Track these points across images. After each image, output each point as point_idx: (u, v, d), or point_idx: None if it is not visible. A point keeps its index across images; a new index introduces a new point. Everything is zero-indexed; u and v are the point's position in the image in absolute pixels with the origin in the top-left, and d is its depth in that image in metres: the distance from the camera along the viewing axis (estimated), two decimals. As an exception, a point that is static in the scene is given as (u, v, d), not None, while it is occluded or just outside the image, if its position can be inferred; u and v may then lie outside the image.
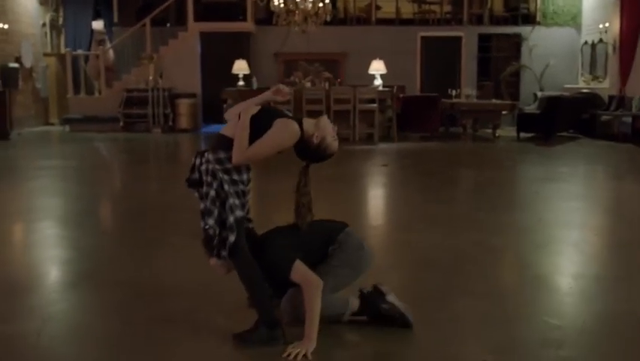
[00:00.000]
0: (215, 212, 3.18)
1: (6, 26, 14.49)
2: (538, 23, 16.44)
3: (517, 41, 16.54)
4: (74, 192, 8.14)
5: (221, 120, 13.37)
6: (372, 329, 3.42)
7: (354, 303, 3.45)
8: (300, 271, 3.26)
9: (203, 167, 3.24)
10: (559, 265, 4.84)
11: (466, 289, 4.10)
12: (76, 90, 15.81)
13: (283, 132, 3.23)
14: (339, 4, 16.77)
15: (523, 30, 16.41)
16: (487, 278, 4.36)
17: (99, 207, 7.43)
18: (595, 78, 15.41)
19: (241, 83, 13.67)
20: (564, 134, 13.58)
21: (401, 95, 13.75)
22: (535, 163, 10.51)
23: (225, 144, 3.23)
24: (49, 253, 5.21)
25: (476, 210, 6.73)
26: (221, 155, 3.21)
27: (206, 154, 3.25)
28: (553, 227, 6.00)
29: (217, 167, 3.20)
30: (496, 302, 3.80)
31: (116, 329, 3.49)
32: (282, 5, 11.82)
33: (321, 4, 12.24)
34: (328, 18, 12.73)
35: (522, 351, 3.21)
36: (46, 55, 16.71)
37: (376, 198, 8.12)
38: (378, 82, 13.39)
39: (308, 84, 13.30)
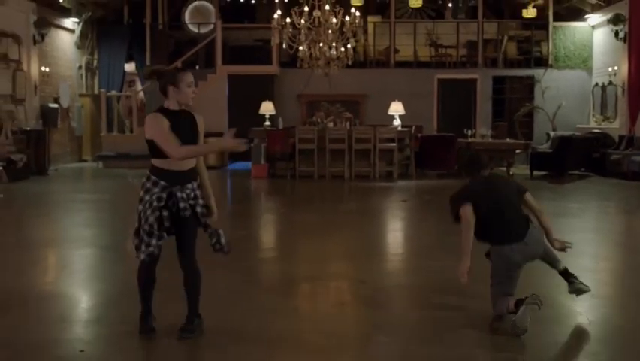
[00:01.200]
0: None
1: (47, 69, 15.45)
2: (551, 66, 17.15)
3: (530, 83, 17.24)
4: (109, 222, 8.85)
5: (247, 158, 14.18)
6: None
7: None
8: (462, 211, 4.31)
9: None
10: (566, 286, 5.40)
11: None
12: (109, 129, 16.68)
13: (153, 123, 3.84)
14: (360, 48, 17.56)
15: (536, 72, 17.12)
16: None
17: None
18: (606, 119, 16.02)
19: (267, 123, 14.40)
20: (576, 172, 14.11)
21: (419, 135, 14.39)
22: (546, 199, 11.01)
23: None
24: (91, 274, 5.87)
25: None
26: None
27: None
28: (562, 256, 6.54)
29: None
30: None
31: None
32: (307, 51, 12.57)
33: (342, 49, 12.99)
34: (349, 62, 13.47)
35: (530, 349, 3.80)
36: (81, 95, 17.63)
37: (396, 231, 8.72)
38: (397, 122, 14.10)
39: (330, 124, 13.99)
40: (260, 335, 4.06)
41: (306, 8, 10.48)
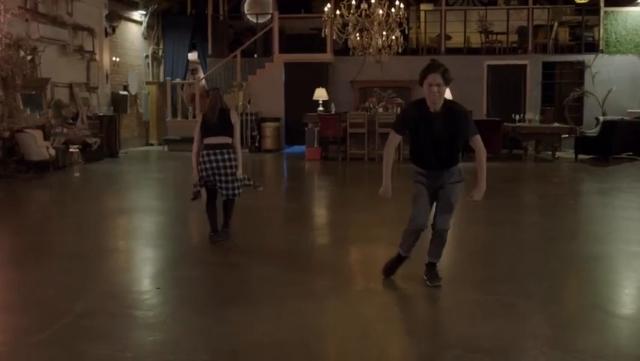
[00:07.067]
0: None
1: (117, 59, 16.64)
2: (602, 51, 17.32)
3: (580, 68, 17.45)
4: (173, 196, 9.96)
5: (301, 142, 15.01)
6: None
7: None
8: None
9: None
10: (580, 243, 6.05)
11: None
12: (174, 114, 17.81)
13: None
14: (412, 35, 18.10)
15: (586, 58, 17.31)
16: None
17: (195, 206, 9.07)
18: (656, 103, 16.17)
19: (320, 108, 15.17)
20: (622, 156, 14.36)
21: (466, 119, 14.90)
22: (580, 180, 11.57)
23: None
24: (157, 234, 6.82)
25: (506, 213, 7.98)
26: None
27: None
28: (568, 224, 7.16)
29: None
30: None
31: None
32: (358, 39, 13.27)
33: (393, 37, 13.60)
34: (399, 50, 14.07)
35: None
36: (147, 83, 18.82)
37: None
38: (443, 107, 14.64)
39: (380, 109, 14.66)
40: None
41: (354, 2, 11.18)
